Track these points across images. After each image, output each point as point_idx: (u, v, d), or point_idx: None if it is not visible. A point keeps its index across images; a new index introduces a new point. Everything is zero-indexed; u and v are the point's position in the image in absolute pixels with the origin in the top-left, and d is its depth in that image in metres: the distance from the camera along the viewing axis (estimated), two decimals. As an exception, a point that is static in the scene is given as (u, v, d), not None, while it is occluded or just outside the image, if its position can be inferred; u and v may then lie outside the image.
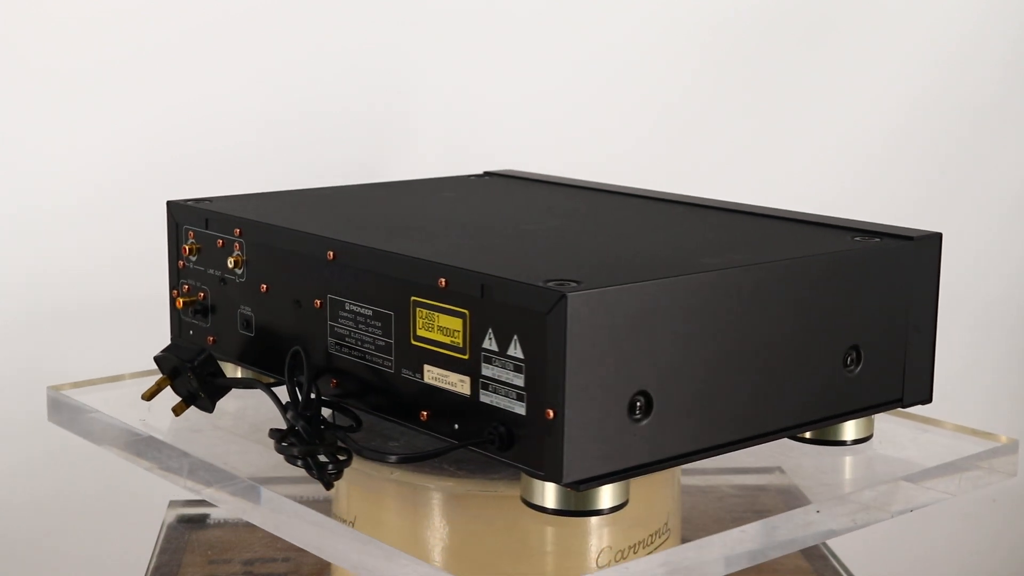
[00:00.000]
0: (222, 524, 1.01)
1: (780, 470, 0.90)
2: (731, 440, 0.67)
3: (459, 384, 0.65)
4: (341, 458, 0.68)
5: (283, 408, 0.70)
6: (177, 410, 0.78)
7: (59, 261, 1.24)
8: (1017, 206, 1.43)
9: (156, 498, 1.09)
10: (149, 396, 0.79)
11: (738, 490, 0.88)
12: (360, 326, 0.70)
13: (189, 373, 0.77)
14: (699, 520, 0.81)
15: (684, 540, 0.79)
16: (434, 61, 1.32)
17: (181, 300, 0.82)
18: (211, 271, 0.81)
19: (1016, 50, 1.41)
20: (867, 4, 1.38)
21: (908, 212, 1.41)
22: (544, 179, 0.96)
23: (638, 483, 0.72)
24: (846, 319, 0.71)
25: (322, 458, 0.68)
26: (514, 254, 0.71)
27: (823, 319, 0.70)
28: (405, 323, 0.68)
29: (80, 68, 1.23)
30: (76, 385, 0.87)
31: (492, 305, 0.63)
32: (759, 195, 0.99)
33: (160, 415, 0.80)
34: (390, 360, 0.69)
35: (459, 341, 0.65)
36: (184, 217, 0.83)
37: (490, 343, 0.63)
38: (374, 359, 0.70)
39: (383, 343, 0.69)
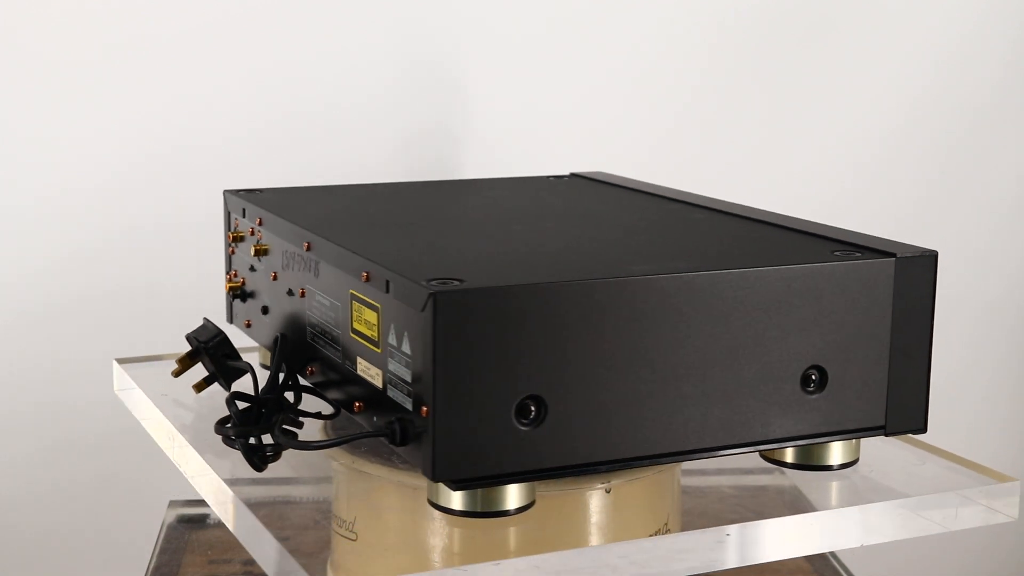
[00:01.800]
0: (222, 524, 1.04)
1: (781, 471, 0.86)
2: (649, 453, 0.65)
3: (376, 377, 0.66)
4: (268, 443, 0.70)
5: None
6: (198, 387, 0.83)
7: (59, 256, 1.27)
8: (1017, 206, 1.42)
9: (156, 498, 1.13)
10: (177, 374, 0.84)
11: (738, 490, 0.85)
12: (324, 316, 0.73)
13: (204, 354, 0.81)
14: (699, 520, 0.79)
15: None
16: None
17: (228, 284, 0.87)
18: (246, 259, 0.85)
19: (1016, 50, 1.39)
20: (867, 4, 1.37)
21: (908, 212, 1.39)
22: (620, 183, 0.94)
23: (638, 483, 0.72)
24: (806, 338, 0.67)
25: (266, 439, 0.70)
26: (443, 253, 0.71)
27: (776, 337, 0.66)
28: (347, 315, 0.69)
29: (87, 59, 1.25)
30: (143, 359, 0.92)
31: (392, 301, 0.64)
32: (759, 195, 0.96)
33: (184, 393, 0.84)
34: (339, 351, 0.71)
35: (375, 335, 0.66)
36: (233, 205, 0.87)
37: (392, 338, 0.64)
38: (330, 349, 0.72)
39: (335, 334, 0.71)
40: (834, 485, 0.75)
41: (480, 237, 0.76)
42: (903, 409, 0.70)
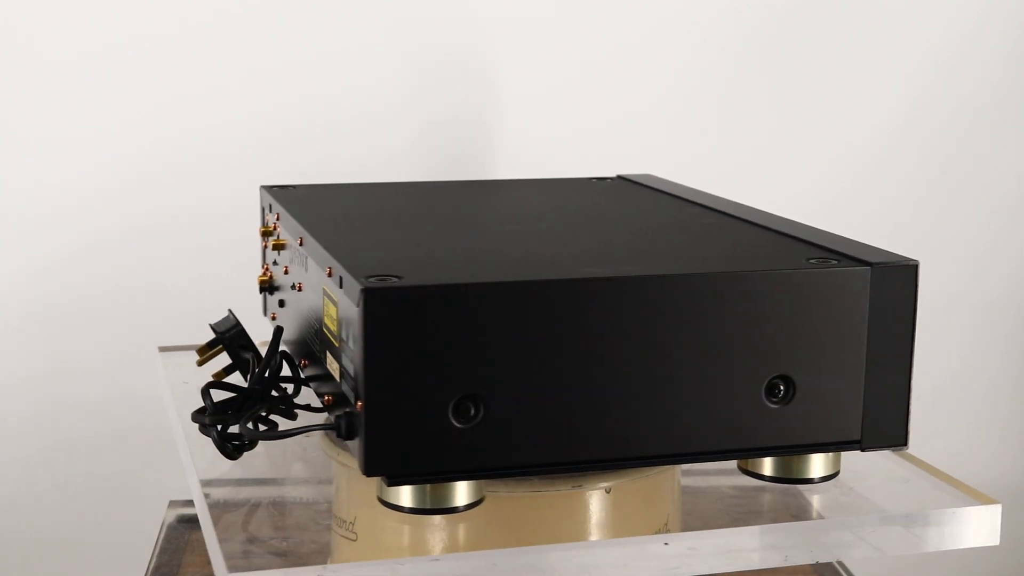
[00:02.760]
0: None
1: None
2: (594, 458, 0.64)
3: (336, 371, 0.68)
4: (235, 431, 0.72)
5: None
6: (216, 376, 0.85)
7: (59, 258, 1.28)
8: (1018, 206, 1.40)
9: (156, 498, 1.15)
10: (200, 363, 0.86)
11: (738, 491, 0.83)
12: (311, 311, 0.74)
13: (222, 344, 0.83)
14: (699, 520, 0.78)
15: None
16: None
17: (260, 278, 0.89)
18: (271, 253, 0.87)
19: (1017, 50, 1.37)
20: (868, 5, 1.36)
21: (909, 212, 1.38)
22: (663, 188, 0.93)
23: (637, 483, 0.72)
24: (773, 346, 0.65)
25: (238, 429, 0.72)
26: (404, 251, 0.71)
27: (739, 344, 0.65)
28: (321, 310, 0.71)
29: (90, 58, 1.25)
30: (185, 348, 0.95)
31: (344, 297, 0.65)
32: (760, 195, 0.95)
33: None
34: (318, 345, 0.72)
35: (336, 330, 0.67)
36: (264, 201, 0.90)
37: (344, 333, 0.65)
38: (315, 343, 0.73)
39: (316, 328, 0.73)
40: (809, 499, 0.73)
41: (463, 237, 0.76)
42: (881, 424, 0.67)
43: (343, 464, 0.75)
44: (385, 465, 0.62)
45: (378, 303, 0.60)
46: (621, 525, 0.73)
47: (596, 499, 0.72)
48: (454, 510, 0.65)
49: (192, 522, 1.07)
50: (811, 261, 0.67)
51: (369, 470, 0.62)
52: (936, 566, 1.47)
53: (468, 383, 0.62)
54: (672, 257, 0.70)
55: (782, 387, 0.66)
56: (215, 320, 0.85)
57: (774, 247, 0.71)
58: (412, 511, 0.65)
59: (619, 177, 0.98)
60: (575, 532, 0.72)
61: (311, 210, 0.82)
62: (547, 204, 0.88)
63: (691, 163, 1.32)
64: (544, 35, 1.33)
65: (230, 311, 0.86)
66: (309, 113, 1.28)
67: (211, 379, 0.85)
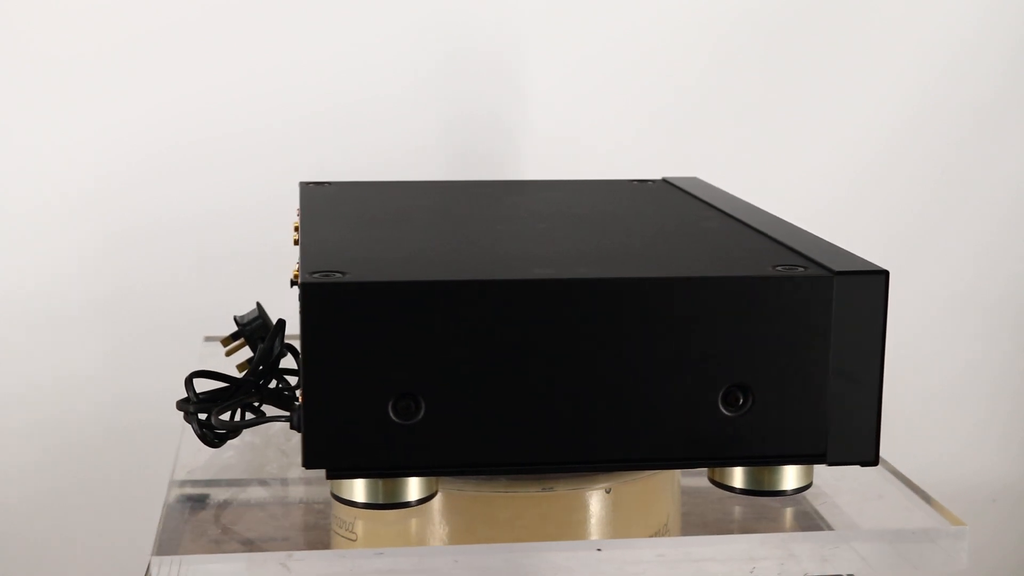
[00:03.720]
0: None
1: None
2: (539, 461, 0.64)
3: (300, 366, 0.69)
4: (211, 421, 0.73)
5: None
6: (240, 368, 0.87)
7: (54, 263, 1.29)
8: (1020, 207, 1.40)
9: (156, 497, 1.15)
10: (228, 354, 0.88)
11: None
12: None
13: (243, 336, 0.86)
14: (699, 521, 0.76)
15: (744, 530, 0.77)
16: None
17: (293, 273, 0.91)
18: (295, 248, 0.89)
19: (1020, 50, 1.37)
20: (869, 4, 1.34)
21: (909, 211, 1.36)
22: (694, 192, 0.91)
23: (637, 483, 0.72)
24: (729, 354, 0.63)
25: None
26: (364, 248, 0.71)
27: (693, 350, 0.63)
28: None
29: (87, 54, 1.26)
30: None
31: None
32: (759, 194, 0.93)
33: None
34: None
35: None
36: (299, 198, 0.91)
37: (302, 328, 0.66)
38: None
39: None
40: (764, 512, 0.71)
41: (446, 237, 0.76)
42: (847, 438, 0.65)
43: None
44: (325, 459, 0.63)
45: (315, 298, 0.61)
46: (621, 525, 0.72)
47: (596, 499, 0.72)
48: (406, 504, 0.66)
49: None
50: (777, 268, 0.65)
51: (309, 463, 0.63)
52: None
53: (408, 381, 0.62)
54: (637, 260, 0.69)
55: (740, 396, 0.64)
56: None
57: (745, 252, 0.69)
58: (365, 506, 0.66)
59: (663, 180, 0.97)
60: (576, 532, 0.72)
61: (321, 207, 0.84)
62: (562, 205, 0.87)
63: (690, 161, 1.30)
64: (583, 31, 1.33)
65: (258, 304, 0.88)
66: (343, 106, 1.30)
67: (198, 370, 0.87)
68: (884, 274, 0.64)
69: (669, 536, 0.75)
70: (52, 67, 1.26)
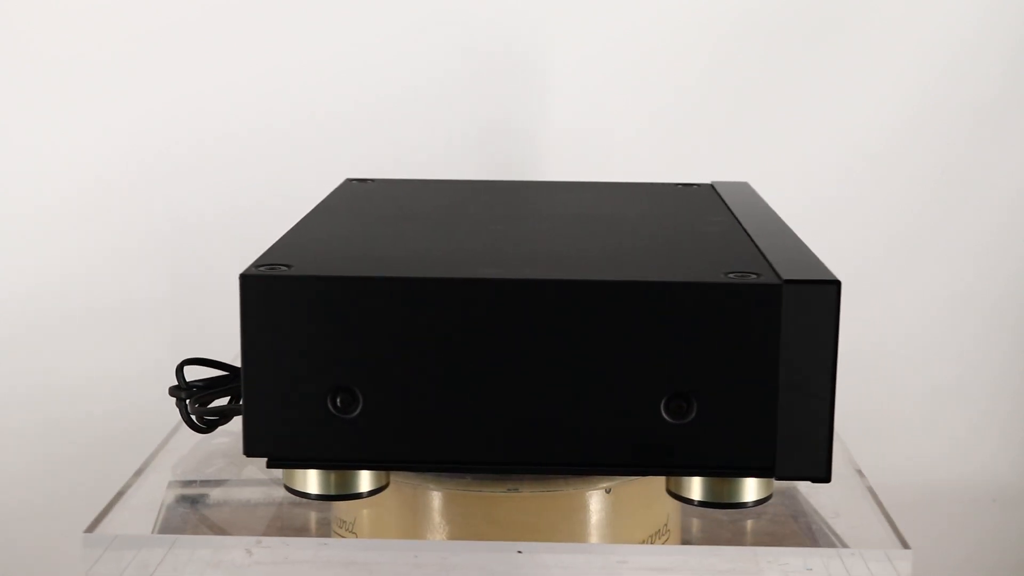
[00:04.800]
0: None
1: None
2: (476, 460, 0.64)
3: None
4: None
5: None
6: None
7: (59, 264, 1.30)
8: (1020, 206, 1.38)
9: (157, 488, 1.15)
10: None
11: None
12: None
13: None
14: (699, 521, 0.75)
15: (684, 542, 0.76)
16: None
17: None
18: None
19: (1020, 48, 1.35)
20: (869, 4, 1.34)
21: (908, 212, 1.35)
22: (726, 200, 0.88)
23: (638, 484, 0.72)
24: (672, 361, 0.62)
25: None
26: (326, 243, 0.72)
27: (636, 356, 0.62)
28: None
29: (89, 55, 1.27)
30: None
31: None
32: (762, 190, 0.92)
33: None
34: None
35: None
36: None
37: (257, 321, 0.68)
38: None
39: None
40: (709, 523, 0.70)
41: (435, 235, 0.76)
42: (797, 453, 0.62)
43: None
44: (263, 447, 0.65)
45: (252, 290, 0.63)
46: (621, 526, 0.72)
47: (596, 499, 0.72)
48: (358, 496, 0.67)
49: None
50: (729, 275, 0.63)
51: (249, 451, 0.65)
52: (935, 565, 1.44)
53: (345, 374, 0.63)
54: (594, 263, 0.68)
55: (684, 404, 0.62)
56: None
57: (712, 259, 0.67)
58: (318, 497, 0.67)
59: (711, 185, 0.95)
60: (575, 532, 0.72)
61: (338, 203, 0.85)
62: (579, 207, 0.86)
63: (691, 160, 1.32)
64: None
65: None
66: (392, 99, 1.31)
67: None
68: (836, 284, 0.61)
69: (669, 538, 0.74)
70: (52, 67, 1.29)
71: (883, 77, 1.36)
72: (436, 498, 0.72)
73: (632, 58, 1.36)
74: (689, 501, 0.66)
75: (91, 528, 0.72)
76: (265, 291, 0.63)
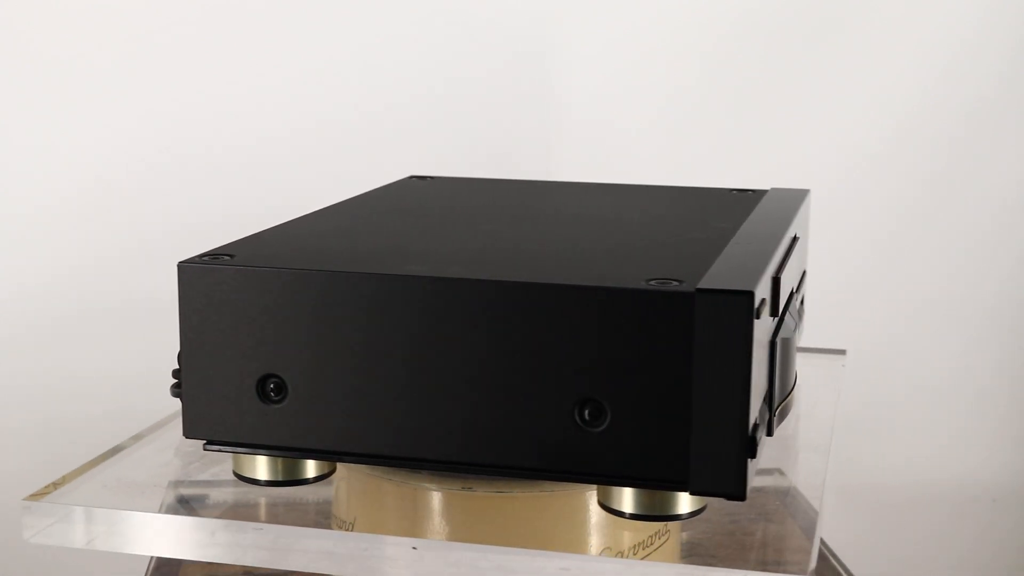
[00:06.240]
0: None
1: (780, 472, 0.80)
2: (395, 455, 0.65)
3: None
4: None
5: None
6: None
7: (56, 266, 1.31)
8: (1016, 207, 1.40)
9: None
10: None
11: None
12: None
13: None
14: (698, 521, 0.74)
15: (683, 542, 0.75)
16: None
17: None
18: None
19: (1018, 50, 1.37)
20: (869, 4, 1.35)
21: (906, 212, 1.36)
22: (755, 206, 0.86)
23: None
24: (584, 367, 0.61)
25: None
26: (295, 238, 0.73)
27: (548, 360, 0.62)
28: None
29: (91, 57, 1.28)
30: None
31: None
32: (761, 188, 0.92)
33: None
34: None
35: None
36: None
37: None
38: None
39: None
40: (581, 540, 0.69)
41: (420, 233, 0.77)
42: (709, 467, 0.60)
43: (343, 464, 0.76)
44: (201, 431, 0.67)
45: (187, 278, 0.66)
46: (621, 526, 0.71)
47: (595, 500, 0.71)
48: (305, 482, 0.69)
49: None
50: (651, 282, 0.62)
51: (187, 433, 0.67)
52: (934, 564, 1.45)
53: (271, 364, 0.65)
54: (531, 264, 0.68)
55: (593, 411, 0.62)
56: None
57: (650, 264, 0.67)
58: (267, 484, 0.69)
59: (768, 191, 0.93)
60: (573, 532, 0.71)
61: (366, 199, 0.87)
62: (587, 208, 0.86)
63: (691, 160, 1.31)
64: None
65: None
66: (452, 98, 1.31)
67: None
68: (747, 295, 0.60)
69: (669, 540, 0.73)
70: (52, 67, 1.30)
71: (883, 77, 1.36)
72: (390, 493, 0.73)
73: (632, 58, 1.35)
74: (620, 513, 0.65)
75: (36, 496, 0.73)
76: (198, 280, 0.65)
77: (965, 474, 1.42)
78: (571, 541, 0.71)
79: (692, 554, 0.75)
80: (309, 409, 0.65)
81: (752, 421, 0.60)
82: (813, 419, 0.84)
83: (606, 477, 0.63)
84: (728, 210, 0.84)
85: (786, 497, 0.78)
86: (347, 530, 0.76)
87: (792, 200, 0.88)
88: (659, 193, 0.92)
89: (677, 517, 0.65)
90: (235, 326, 0.65)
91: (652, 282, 0.62)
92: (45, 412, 1.37)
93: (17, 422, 1.34)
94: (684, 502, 0.65)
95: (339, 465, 0.76)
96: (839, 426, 0.83)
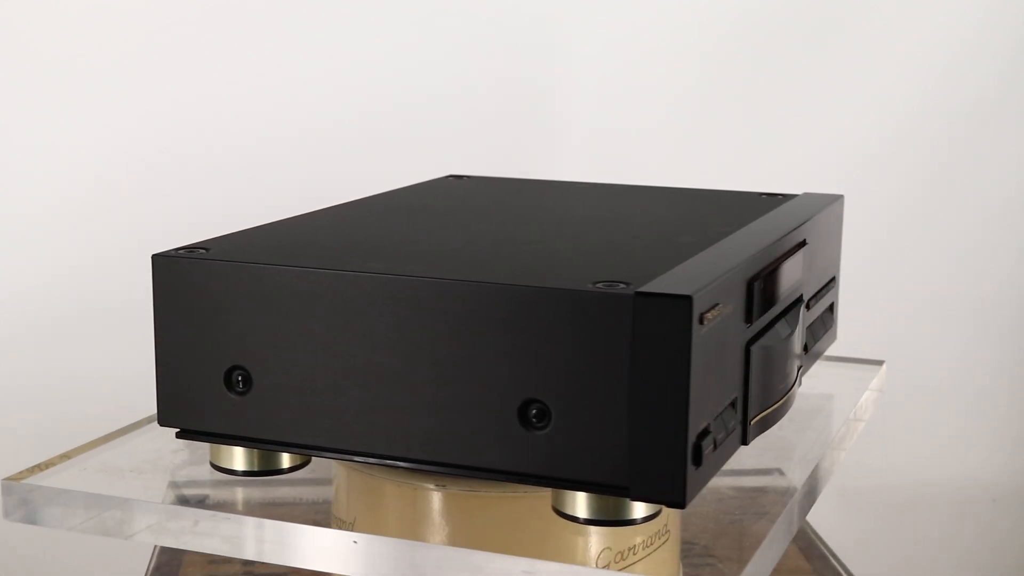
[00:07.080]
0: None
1: (780, 472, 0.80)
2: (354, 449, 0.65)
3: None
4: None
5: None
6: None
7: (57, 266, 1.31)
8: (1015, 206, 1.40)
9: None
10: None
11: (737, 492, 0.77)
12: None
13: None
14: (698, 521, 0.74)
15: (683, 542, 0.75)
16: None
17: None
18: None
19: (1017, 50, 1.37)
20: (869, 4, 1.35)
21: (906, 212, 1.37)
22: (774, 211, 0.85)
23: None
24: (526, 368, 0.61)
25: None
26: (281, 235, 0.74)
27: (495, 360, 0.62)
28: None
29: (91, 58, 1.28)
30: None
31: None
32: (762, 187, 0.93)
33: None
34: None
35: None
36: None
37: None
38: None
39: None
40: (582, 540, 0.69)
41: (409, 232, 0.77)
42: (650, 473, 0.60)
43: (343, 464, 0.77)
44: (173, 419, 0.69)
45: (160, 270, 0.67)
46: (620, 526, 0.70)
47: None
48: (280, 472, 0.70)
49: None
50: (598, 285, 0.61)
51: (161, 421, 0.69)
52: (934, 564, 1.45)
53: (237, 356, 0.66)
54: (490, 264, 0.68)
55: (535, 412, 0.62)
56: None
57: (593, 265, 0.67)
58: (245, 474, 0.70)
59: (802, 195, 0.92)
60: (573, 532, 0.71)
61: (382, 200, 0.87)
62: (592, 210, 0.86)
63: (690, 159, 1.31)
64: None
65: None
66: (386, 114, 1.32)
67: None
68: (687, 299, 0.59)
69: (669, 540, 0.74)
70: (52, 67, 1.30)
71: (883, 77, 1.36)
72: (390, 494, 0.73)
73: (631, 58, 1.35)
74: (574, 519, 0.65)
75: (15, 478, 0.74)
76: (169, 271, 0.67)
77: (965, 474, 1.42)
78: (571, 540, 0.70)
79: (692, 554, 0.75)
80: (272, 401, 0.66)
81: (700, 428, 0.59)
82: (814, 429, 0.84)
83: (550, 480, 0.62)
84: (741, 214, 0.82)
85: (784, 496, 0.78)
86: (347, 529, 0.76)
87: (811, 206, 0.86)
88: (677, 195, 0.91)
89: (632, 522, 0.64)
90: (204, 318, 0.66)
91: (599, 284, 0.61)
92: (45, 412, 1.37)
93: (17, 422, 1.33)
94: (638, 508, 0.64)
95: (339, 465, 0.76)
96: (851, 434, 0.83)
